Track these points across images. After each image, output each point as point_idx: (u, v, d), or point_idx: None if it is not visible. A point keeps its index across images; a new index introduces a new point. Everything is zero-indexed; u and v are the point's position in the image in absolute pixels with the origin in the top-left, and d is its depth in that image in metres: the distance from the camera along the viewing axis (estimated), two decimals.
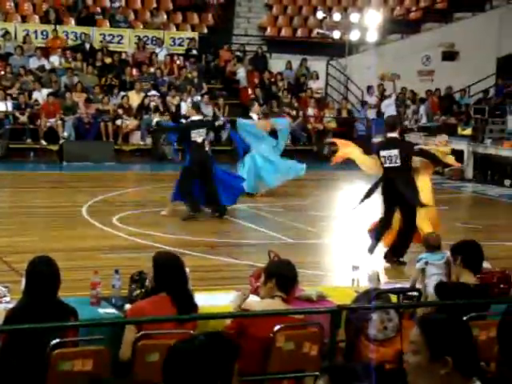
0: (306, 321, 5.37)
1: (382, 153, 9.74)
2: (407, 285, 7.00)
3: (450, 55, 24.52)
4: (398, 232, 9.79)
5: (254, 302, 5.48)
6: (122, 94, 21.11)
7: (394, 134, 9.86)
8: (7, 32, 21.97)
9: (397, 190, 9.56)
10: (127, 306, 5.71)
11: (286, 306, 5.33)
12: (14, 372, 4.65)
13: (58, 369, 4.53)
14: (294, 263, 5.53)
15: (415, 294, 6.28)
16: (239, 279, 8.50)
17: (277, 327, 5.10)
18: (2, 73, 20.94)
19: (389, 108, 22.59)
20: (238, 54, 24.39)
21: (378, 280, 6.51)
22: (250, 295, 5.99)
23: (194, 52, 23.77)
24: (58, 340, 4.58)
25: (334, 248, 11.37)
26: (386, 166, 9.71)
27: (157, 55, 23.00)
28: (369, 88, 23.74)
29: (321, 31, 25.25)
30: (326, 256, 10.87)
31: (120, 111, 20.63)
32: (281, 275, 5.39)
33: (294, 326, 5.24)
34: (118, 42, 23.22)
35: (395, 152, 9.60)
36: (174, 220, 12.68)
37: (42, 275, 4.89)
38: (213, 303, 5.90)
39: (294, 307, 5.52)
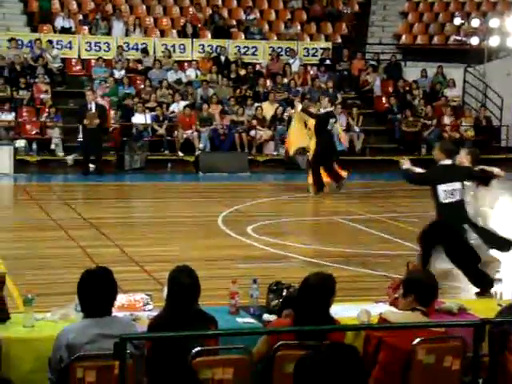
0: (448, 334, 5.23)
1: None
2: None
3: None
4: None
5: (393, 314, 5.38)
6: (256, 105, 21.36)
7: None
8: (147, 47, 22.71)
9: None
10: (265, 316, 5.74)
11: (426, 319, 5.21)
12: (159, 379, 4.76)
13: (199, 376, 4.59)
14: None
15: None
16: (375, 290, 8.40)
17: (417, 340, 4.99)
18: (142, 86, 21.64)
19: None
20: (372, 62, 24.22)
21: None
22: (389, 307, 5.90)
23: (328, 62, 23.78)
24: (199, 348, 4.64)
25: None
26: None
27: (290, 66, 23.15)
28: None
29: (458, 38, 24.71)
30: None
31: (254, 122, 20.88)
32: (421, 287, 5.28)
33: (435, 339, 5.11)
34: (253, 54, 23.54)
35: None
36: (308, 230, 12.69)
37: (183, 285, 4.97)
38: (348, 314, 5.84)
39: (435, 320, 5.39)
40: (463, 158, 9.42)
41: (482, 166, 9.35)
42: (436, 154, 8.90)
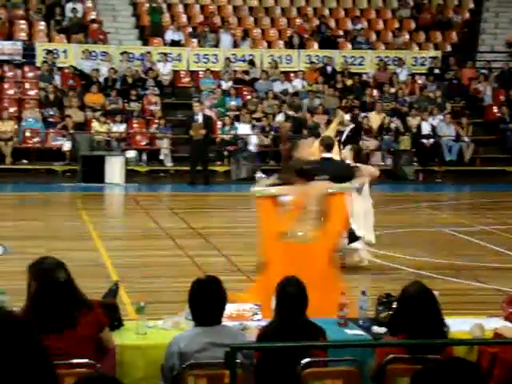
0: None
1: None
2: None
3: None
4: None
5: (508, 329, 5.23)
6: (363, 114, 21.20)
7: None
8: (253, 58, 22.91)
9: None
10: (374, 328, 5.66)
11: None
12: None
13: None
14: None
15: None
16: (486, 304, 8.20)
17: None
18: (249, 97, 21.83)
19: None
20: (483, 71, 23.69)
21: None
22: (503, 322, 5.73)
23: (437, 71, 23.39)
24: (308, 359, 4.62)
25: None
26: None
27: (397, 75, 22.89)
28: None
29: None
30: None
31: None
32: None
33: None
34: (359, 64, 23.40)
35: None
36: (414, 242, 12.48)
37: (291, 295, 4.97)
38: (459, 328, 5.69)
39: None
40: (347, 153, 10.46)
41: (359, 164, 10.27)
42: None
